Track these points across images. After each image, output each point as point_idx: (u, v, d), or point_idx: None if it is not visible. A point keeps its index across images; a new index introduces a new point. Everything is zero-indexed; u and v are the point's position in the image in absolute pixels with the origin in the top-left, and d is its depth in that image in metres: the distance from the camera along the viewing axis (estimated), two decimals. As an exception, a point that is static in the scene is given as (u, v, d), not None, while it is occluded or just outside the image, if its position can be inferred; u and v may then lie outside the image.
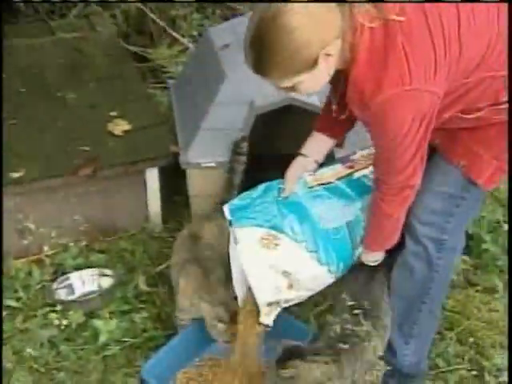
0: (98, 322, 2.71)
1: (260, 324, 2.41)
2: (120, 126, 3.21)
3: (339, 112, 2.28)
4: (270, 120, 3.01)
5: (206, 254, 2.61)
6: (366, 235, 2.38)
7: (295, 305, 2.63)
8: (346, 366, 2.10)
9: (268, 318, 2.42)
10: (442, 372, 2.66)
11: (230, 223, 2.48)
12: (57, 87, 3.49)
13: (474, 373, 2.66)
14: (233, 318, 2.42)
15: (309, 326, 2.74)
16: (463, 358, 2.71)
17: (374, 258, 2.40)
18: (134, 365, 2.61)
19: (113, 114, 3.30)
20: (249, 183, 3.03)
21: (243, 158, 2.94)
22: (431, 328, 2.57)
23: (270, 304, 2.40)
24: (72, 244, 3.07)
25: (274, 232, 2.41)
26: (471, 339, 2.78)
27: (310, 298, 2.57)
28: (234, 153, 2.94)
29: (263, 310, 2.40)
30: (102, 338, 2.67)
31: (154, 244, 3.19)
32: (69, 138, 3.15)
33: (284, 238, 2.40)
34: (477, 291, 3.01)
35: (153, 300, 2.88)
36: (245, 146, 2.94)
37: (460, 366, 2.68)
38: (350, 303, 2.17)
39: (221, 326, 2.42)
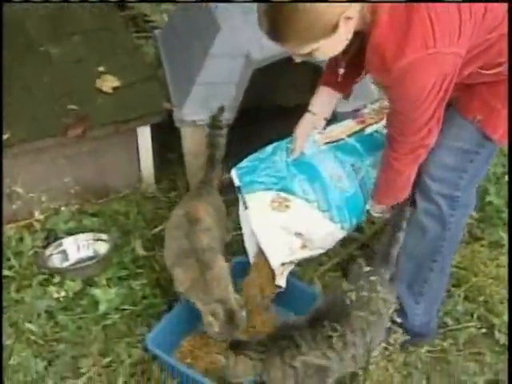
0: (95, 291, 2.61)
1: (274, 285, 2.39)
2: (109, 83, 3.05)
3: (348, 76, 2.23)
4: (267, 72, 2.87)
5: (205, 243, 2.40)
6: (376, 189, 2.35)
7: (298, 265, 2.58)
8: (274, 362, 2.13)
9: (282, 278, 2.40)
10: (451, 330, 2.63)
11: (239, 189, 2.43)
12: (39, 41, 3.29)
13: (484, 330, 2.62)
14: (231, 317, 2.28)
15: (314, 286, 2.68)
16: (472, 316, 2.68)
17: (382, 209, 2.40)
18: (136, 333, 2.52)
19: (100, 69, 3.13)
20: (246, 137, 2.95)
21: (224, 131, 2.76)
22: (442, 286, 2.54)
23: (283, 264, 2.38)
24: (63, 208, 2.94)
25: (284, 194, 2.39)
26: (479, 296, 2.73)
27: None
28: (213, 126, 2.74)
29: (277, 271, 2.37)
30: (102, 307, 2.57)
31: (148, 205, 3.08)
32: (56, 97, 2.98)
33: (295, 199, 2.38)
34: (482, 246, 2.96)
35: (151, 264, 2.78)
36: (224, 117, 2.76)
37: (469, 324, 2.65)
38: (366, 269, 2.07)
39: (215, 323, 2.28)
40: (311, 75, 3.14)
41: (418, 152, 2.13)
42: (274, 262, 2.37)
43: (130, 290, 2.66)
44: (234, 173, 2.49)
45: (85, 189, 3.00)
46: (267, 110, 3.26)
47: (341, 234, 2.44)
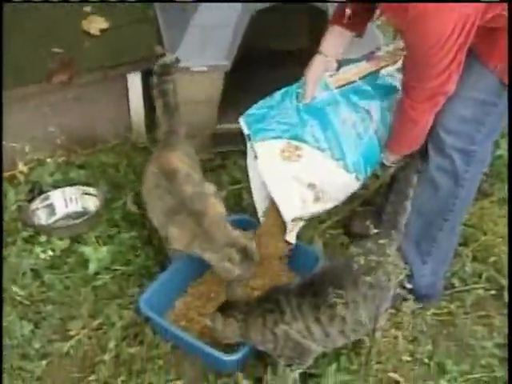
0: (84, 248, 2.48)
1: (285, 242, 2.33)
2: (96, 24, 2.90)
3: (361, 13, 2.13)
4: (261, 17, 2.69)
5: (190, 192, 2.28)
6: (390, 138, 2.26)
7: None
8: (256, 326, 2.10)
9: (291, 234, 2.33)
10: (459, 292, 2.52)
11: (249, 137, 2.35)
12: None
13: (493, 292, 2.53)
14: (246, 254, 2.21)
15: (315, 246, 2.55)
16: (480, 277, 2.57)
17: (396, 159, 2.31)
18: (128, 294, 2.41)
19: (87, 9, 2.96)
20: (241, 84, 2.88)
21: (172, 77, 2.58)
22: (451, 246, 2.44)
23: (294, 219, 2.29)
24: (48, 159, 2.80)
25: (295, 142, 2.29)
26: (488, 256, 2.62)
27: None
28: (162, 74, 2.56)
29: (288, 226, 2.30)
30: (92, 266, 2.44)
31: (139, 156, 2.93)
32: (39, 40, 2.83)
33: (306, 147, 2.29)
34: (491, 202, 2.85)
35: (142, 222, 2.64)
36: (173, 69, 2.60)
37: (477, 286, 2.54)
38: (374, 231, 1.93)
39: (233, 267, 2.20)
40: (306, 20, 2.99)
41: (436, 99, 2.02)
42: (287, 215, 2.28)
43: (120, 248, 2.54)
44: (242, 121, 2.37)
45: (71, 139, 2.86)
46: (261, 55, 3.12)
47: (355, 185, 2.34)
